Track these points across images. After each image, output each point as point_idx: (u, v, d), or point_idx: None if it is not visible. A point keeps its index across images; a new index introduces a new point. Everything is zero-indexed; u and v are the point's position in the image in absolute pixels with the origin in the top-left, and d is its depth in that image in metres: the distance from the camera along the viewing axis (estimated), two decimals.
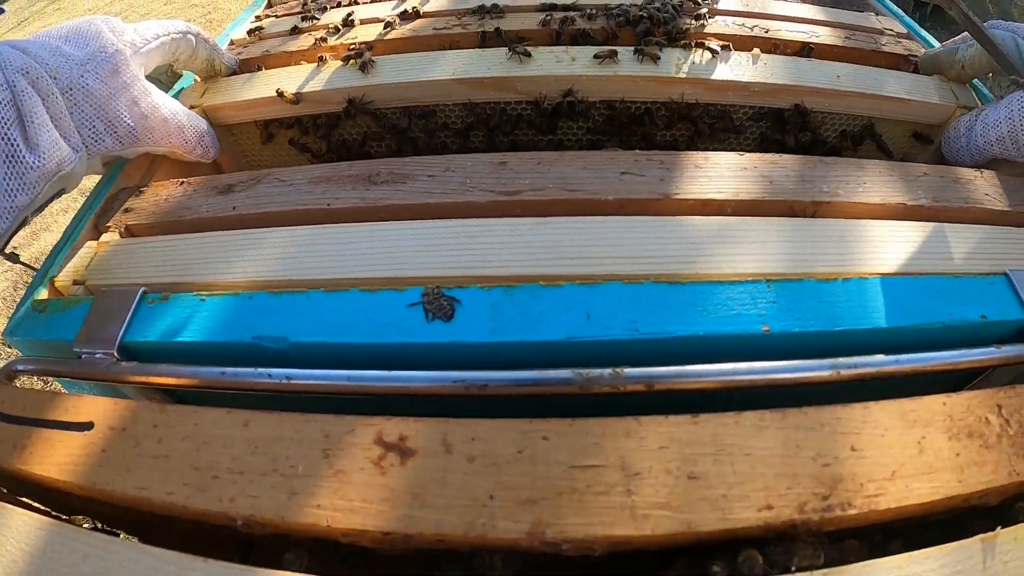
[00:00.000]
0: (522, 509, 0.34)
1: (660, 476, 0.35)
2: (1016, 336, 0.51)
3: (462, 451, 0.36)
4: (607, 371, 0.40)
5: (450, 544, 0.34)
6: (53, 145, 0.52)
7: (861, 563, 0.35)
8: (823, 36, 0.77)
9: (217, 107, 0.69)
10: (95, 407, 0.44)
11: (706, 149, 0.61)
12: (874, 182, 0.58)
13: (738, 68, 0.68)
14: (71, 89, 0.54)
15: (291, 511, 0.36)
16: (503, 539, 0.33)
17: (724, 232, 0.49)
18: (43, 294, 0.57)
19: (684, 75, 0.67)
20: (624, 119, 0.69)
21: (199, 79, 0.74)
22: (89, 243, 0.59)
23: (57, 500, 0.45)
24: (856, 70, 0.70)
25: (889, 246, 0.53)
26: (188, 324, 0.49)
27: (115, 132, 0.57)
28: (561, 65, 0.67)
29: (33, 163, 0.50)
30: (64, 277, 0.57)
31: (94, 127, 0.56)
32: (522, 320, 0.43)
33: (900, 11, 0.87)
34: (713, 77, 0.67)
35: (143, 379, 0.48)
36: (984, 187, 0.62)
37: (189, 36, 0.67)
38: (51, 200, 0.56)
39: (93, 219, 0.62)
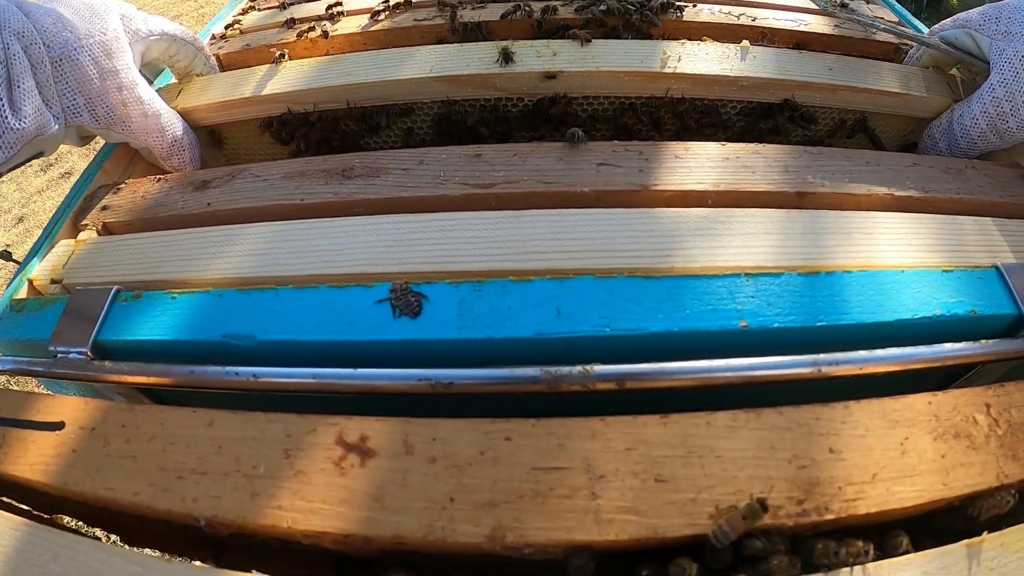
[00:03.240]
0: (483, 512, 0.33)
1: (626, 479, 0.34)
2: (1006, 331, 0.49)
3: (423, 452, 0.35)
4: (576, 369, 0.39)
5: (410, 547, 0.33)
6: (36, 111, 0.53)
7: (843, 570, 0.33)
8: (812, 24, 0.74)
9: (191, 109, 0.67)
10: (66, 407, 0.43)
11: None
12: (860, 172, 0.56)
13: (726, 62, 0.65)
14: (61, 60, 0.54)
15: (252, 512, 0.35)
16: (462, 543, 0.32)
17: (703, 224, 0.48)
18: (21, 293, 0.56)
19: (670, 70, 0.64)
20: (608, 115, 0.67)
21: (176, 79, 0.73)
22: (67, 241, 0.58)
23: (35, 499, 0.45)
24: (848, 62, 0.68)
25: (876, 238, 0.51)
26: (160, 323, 0.48)
27: (93, 110, 0.58)
28: (542, 60, 0.65)
29: (14, 125, 0.51)
30: (41, 276, 0.56)
31: (74, 100, 0.56)
32: (490, 316, 0.41)
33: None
34: (700, 71, 0.64)
35: (115, 378, 0.47)
36: (975, 177, 0.60)
37: (193, 46, 0.69)
38: (27, 161, 0.57)
39: (72, 217, 0.60)
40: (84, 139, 0.62)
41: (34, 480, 0.41)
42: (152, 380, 0.46)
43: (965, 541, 0.34)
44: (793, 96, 0.65)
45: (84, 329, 0.49)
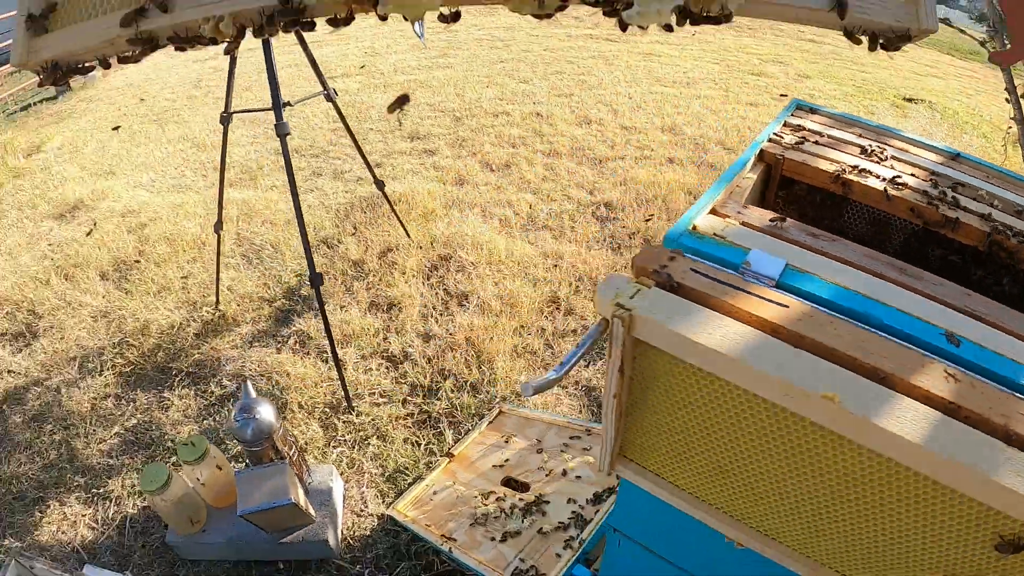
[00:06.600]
0: None
1: None
2: None
3: None
4: None
5: None
6: None
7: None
8: None
9: None
10: (761, 307, 0.91)
11: None
12: None
13: None
14: None
15: None
16: None
17: None
18: (695, 227, 1.04)
19: None
20: None
21: None
22: (708, 215, 1.08)
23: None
24: None
25: None
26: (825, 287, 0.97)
27: None
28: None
29: None
30: (704, 227, 1.05)
31: None
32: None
33: None
34: None
35: (793, 301, 0.95)
36: None
37: None
38: None
39: (712, 204, 1.11)
40: None
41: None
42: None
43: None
44: None
45: (770, 269, 0.98)
